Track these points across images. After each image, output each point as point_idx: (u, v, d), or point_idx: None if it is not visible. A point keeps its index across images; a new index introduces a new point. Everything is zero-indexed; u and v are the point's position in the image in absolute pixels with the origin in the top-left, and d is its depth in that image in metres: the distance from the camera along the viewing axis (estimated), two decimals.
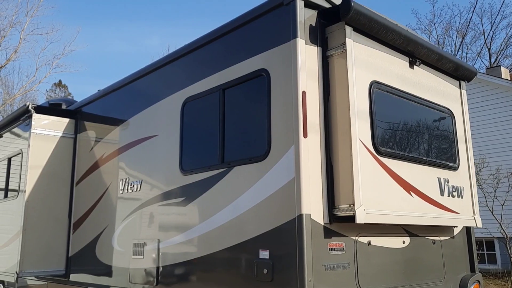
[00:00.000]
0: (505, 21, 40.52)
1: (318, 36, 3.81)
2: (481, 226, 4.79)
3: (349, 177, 3.52)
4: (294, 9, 3.67)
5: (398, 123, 4.18)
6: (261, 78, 3.86)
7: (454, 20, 44.59)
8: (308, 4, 3.76)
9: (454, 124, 4.85)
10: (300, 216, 3.35)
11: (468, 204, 4.73)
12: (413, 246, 4.21)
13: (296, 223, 3.36)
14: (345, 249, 3.61)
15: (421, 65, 4.46)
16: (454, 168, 4.68)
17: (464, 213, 4.64)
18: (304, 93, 3.56)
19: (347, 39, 3.69)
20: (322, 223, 3.51)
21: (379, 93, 3.96)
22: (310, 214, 3.40)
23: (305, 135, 3.49)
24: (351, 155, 3.53)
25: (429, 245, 4.42)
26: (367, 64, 3.89)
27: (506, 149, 14.10)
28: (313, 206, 3.44)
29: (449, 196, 4.47)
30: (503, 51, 29.44)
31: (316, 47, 3.77)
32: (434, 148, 4.56)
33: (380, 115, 3.90)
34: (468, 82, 5.18)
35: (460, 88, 5.08)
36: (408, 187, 4.01)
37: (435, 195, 4.31)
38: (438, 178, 4.40)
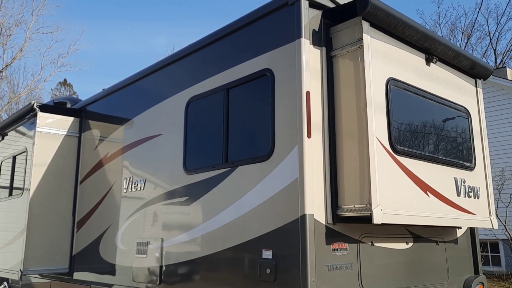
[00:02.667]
0: (511, 22, 40.33)
1: (323, 36, 3.80)
2: (497, 228, 4.69)
3: (365, 176, 3.41)
4: (299, 9, 3.66)
5: (414, 121, 4.09)
6: (265, 78, 3.86)
7: (460, 21, 44.35)
8: (313, 4, 3.75)
9: (470, 123, 4.75)
10: (303, 216, 3.35)
11: (484, 205, 4.63)
12: (416, 247, 4.19)
13: (299, 223, 3.36)
14: (348, 249, 3.60)
15: (438, 62, 4.38)
16: (471, 168, 4.59)
17: (480, 214, 4.55)
18: (308, 93, 3.55)
19: (364, 34, 3.58)
20: (326, 224, 3.50)
21: (396, 90, 3.88)
22: (313, 214, 3.40)
23: (309, 135, 3.49)
24: (368, 153, 3.43)
25: (433, 247, 4.40)
26: (384, 60, 3.79)
27: (511, 151, 14.03)
28: (316, 207, 3.44)
29: (465, 196, 4.37)
30: (509, 52, 29.29)
31: (320, 47, 3.77)
32: (450, 147, 4.47)
33: (396, 113, 3.82)
34: (484, 80, 5.06)
35: (476, 86, 4.97)
36: (425, 187, 3.93)
37: (451, 195, 4.22)
38: (454, 178, 4.31)
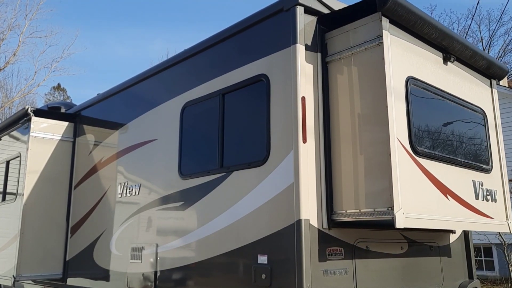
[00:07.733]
0: (503, 28, 40.76)
1: (318, 42, 3.82)
2: None
3: (387, 178, 3.28)
4: (294, 15, 3.69)
5: (433, 122, 3.98)
6: (260, 83, 3.87)
7: (452, 27, 44.53)
8: (308, 10, 3.78)
9: (487, 124, 4.68)
10: (299, 221, 3.35)
11: (501, 209, 4.55)
12: (411, 252, 4.20)
13: (295, 228, 3.36)
14: (343, 254, 3.60)
15: (455, 61, 4.27)
16: (488, 171, 4.51)
17: (498, 218, 4.46)
18: (303, 98, 3.57)
19: (383, 31, 3.44)
20: (321, 229, 3.51)
21: (415, 89, 3.78)
22: (309, 219, 3.40)
23: (304, 140, 3.50)
24: (389, 154, 3.29)
25: (427, 251, 4.42)
26: (403, 58, 3.67)
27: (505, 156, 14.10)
28: (311, 211, 3.45)
29: (483, 200, 4.28)
30: (501, 58, 29.53)
31: (315, 53, 3.79)
32: (468, 149, 4.38)
33: (416, 113, 3.68)
34: (499, 80, 4.94)
35: (491, 87, 4.88)
36: (445, 190, 3.82)
37: (470, 198, 4.12)
38: (472, 180, 4.21)
